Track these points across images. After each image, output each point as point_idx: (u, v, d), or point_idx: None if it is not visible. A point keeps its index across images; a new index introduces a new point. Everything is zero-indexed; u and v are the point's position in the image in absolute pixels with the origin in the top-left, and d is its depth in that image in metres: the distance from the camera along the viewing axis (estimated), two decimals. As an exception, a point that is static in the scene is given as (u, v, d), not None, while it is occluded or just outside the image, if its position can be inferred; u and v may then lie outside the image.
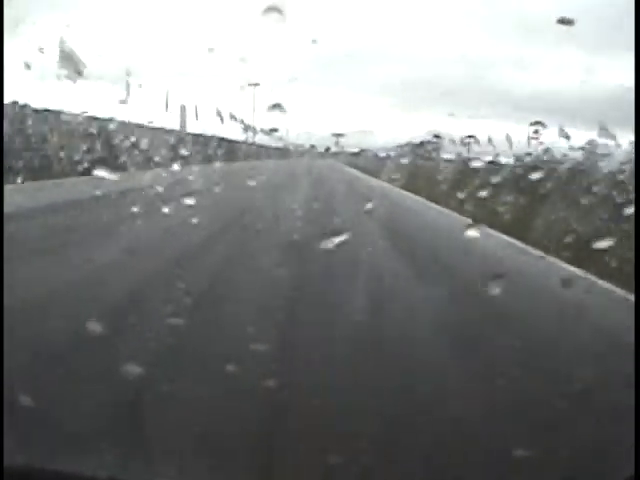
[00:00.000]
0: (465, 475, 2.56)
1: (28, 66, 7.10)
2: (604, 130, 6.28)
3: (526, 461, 2.47)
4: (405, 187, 19.64)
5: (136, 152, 12.34)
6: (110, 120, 13.48)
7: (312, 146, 23.83)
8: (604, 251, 5.98)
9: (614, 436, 2.53)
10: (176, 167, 10.49)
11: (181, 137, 20.41)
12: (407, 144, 39.18)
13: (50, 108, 15.96)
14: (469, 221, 8.65)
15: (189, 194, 7.53)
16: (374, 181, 23.79)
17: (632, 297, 5.88)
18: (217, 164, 19.68)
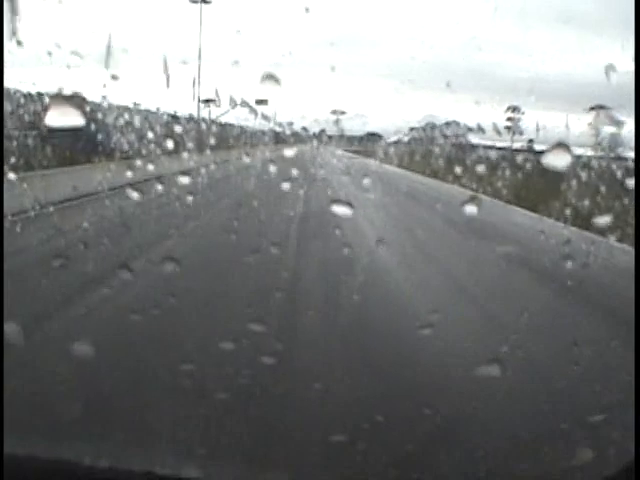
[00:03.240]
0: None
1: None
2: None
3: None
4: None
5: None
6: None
7: (304, 129, 16.69)
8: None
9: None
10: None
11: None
12: (426, 125, 33.58)
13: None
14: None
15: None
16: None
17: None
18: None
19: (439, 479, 2.59)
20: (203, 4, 26.97)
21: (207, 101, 24.36)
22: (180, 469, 1.60)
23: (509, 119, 35.42)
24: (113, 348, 3.63)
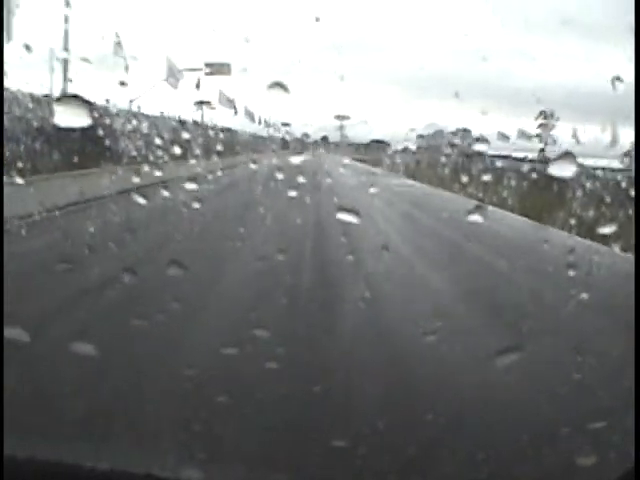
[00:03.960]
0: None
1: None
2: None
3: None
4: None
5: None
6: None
7: (305, 135, 14.77)
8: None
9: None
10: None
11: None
12: (435, 133, 27.93)
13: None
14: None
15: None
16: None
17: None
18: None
19: None
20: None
21: (201, 103, 21.66)
22: (180, 472, 1.60)
23: (541, 126, 31.31)
24: (115, 350, 3.64)
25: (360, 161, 25.98)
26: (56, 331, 4.10)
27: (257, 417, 3.00)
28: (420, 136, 27.71)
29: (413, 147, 24.34)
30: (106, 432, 2.51)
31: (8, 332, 2.43)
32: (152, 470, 1.50)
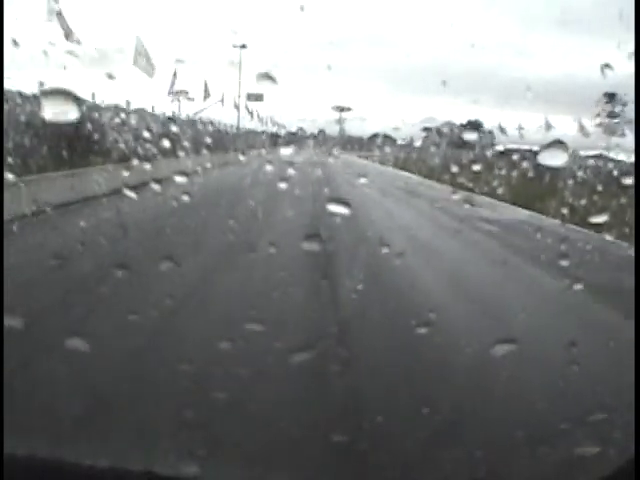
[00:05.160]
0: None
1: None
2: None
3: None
4: None
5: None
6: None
7: (300, 129, 13.90)
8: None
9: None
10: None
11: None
12: (443, 125, 24.21)
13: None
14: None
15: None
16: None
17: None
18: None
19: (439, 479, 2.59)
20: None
21: (177, 93, 19.54)
22: (180, 469, 1.59)
23: (603, 113, 23.83)
24: (114, 348, 3.62)
25: (378, 162, 23.31)
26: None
27: (256, 413, 2.98)
28: (425, 129, 24.96)
29: (418, 142, 22.64)
30: (105, 430, 2.49)
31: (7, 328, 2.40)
32: (151, 467, 1.49)
